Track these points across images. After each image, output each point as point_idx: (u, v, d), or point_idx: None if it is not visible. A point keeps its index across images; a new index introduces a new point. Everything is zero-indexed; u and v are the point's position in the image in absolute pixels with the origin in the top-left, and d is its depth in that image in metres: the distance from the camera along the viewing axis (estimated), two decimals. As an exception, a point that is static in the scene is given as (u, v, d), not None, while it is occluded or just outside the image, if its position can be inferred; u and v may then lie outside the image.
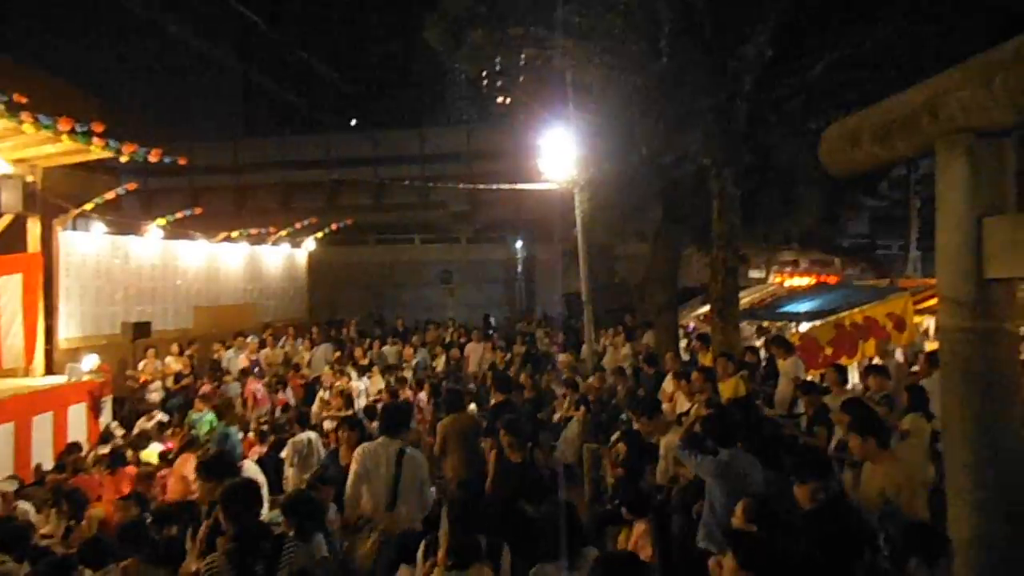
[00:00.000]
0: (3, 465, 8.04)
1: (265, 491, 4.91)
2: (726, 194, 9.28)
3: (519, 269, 27.86)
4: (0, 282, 10.36)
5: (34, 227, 10.46)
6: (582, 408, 8.64)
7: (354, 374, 10.93)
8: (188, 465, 6.78)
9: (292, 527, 3.89)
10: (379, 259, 26.48)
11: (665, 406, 7.49)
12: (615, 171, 10.66)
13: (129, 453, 7.71)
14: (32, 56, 21.70)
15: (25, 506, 6.29)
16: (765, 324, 13.73)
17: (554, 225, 19.63)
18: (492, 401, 7.68)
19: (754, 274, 19.84)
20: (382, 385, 10.40)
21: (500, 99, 12.18)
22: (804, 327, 11.33)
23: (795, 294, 14.96)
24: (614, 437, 6.10)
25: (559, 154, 11.88)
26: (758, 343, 11.99)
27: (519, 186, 15.88)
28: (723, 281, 9.51)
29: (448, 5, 10.41)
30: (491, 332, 18.18)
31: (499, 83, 11.60)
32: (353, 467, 4.85)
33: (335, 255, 22.88)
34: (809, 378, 8.26)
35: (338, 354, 12.49)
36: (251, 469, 6.19)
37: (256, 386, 10.40)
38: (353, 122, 41.76)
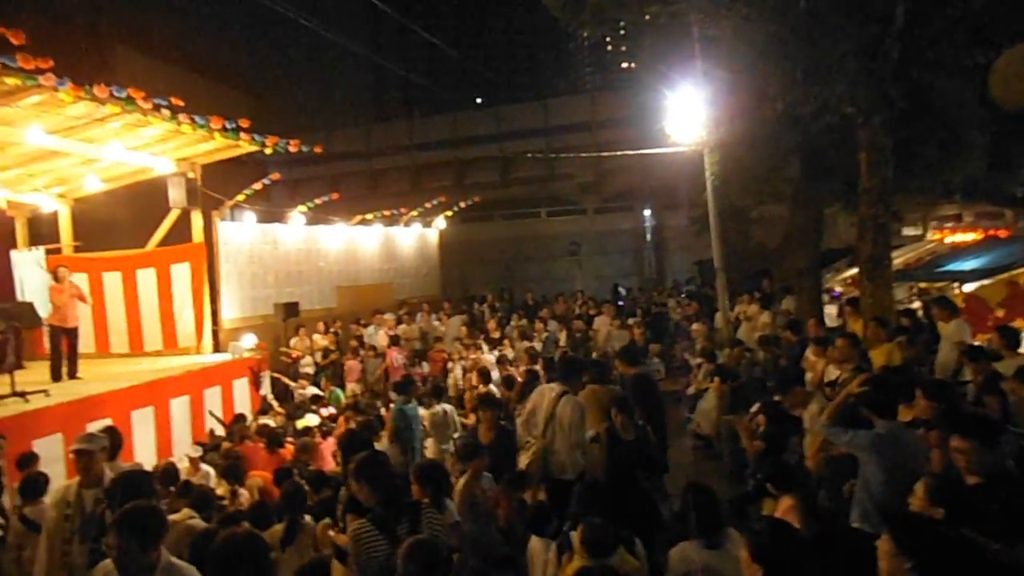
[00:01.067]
0: (182, 432, 8.99)
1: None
2: (876, 145, 8.49)
3: (648, 238, 27.22)
4: (172, 270, 11.53)
5: (196, 219, 11.48)
6: (718, 379, 8.33)
7: (485, 347, 11.18)
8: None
9: (426, 494, 3.99)
10: (507, 234, 26.83)
11: (808, 376, 7.05)
12: (749, 129, 10.06)
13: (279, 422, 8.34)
14: (181, 58, 23.62)
15: (208, 469, 6.98)
16: (923, 285, 12.55)
17: (683, 191, 18.98)
18: (621, 373, 7.56)
19: (908, 231, 18.18)
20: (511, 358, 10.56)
21: (624, 64, 11.83)
22: (969, 287, 10.24)
23: (958, 251, 13.55)
24: (753, 409, 5.82)
25: (687, 116, 11.39)
26: (915, 305, 10.99)
27: (646, 151, 15.45)
28: (873, 240, 8.75)
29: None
30: (620, 303, 17.95)
31: (622, 48, 11.26)
32: (528, 405, 5.71)
33: (465, 232, 23.43)
34: (976, 343, 7.44)
35: (464, 328, 12.77)
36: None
37: (396, 355, 10.90)
38: (478, 100, 42.35)
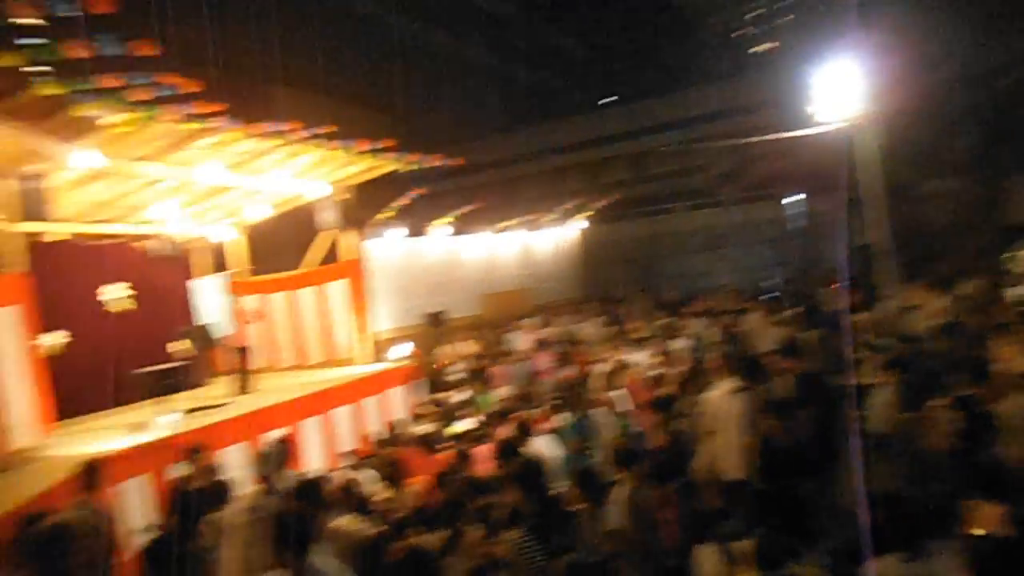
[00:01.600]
0: (346, 439, 9.58)
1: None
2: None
3: (795, 226, 25.63)
4: (329, 288, 12.34)
5: (348, 238, 12.22)
6: (893, 372, 7.60)
7: (630, 349, 10.99)
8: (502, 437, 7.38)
9: (582, 500, 3.94)
10: (644, 232, 26.29)
11: (997, 366, 6.28)
12: (912, 96, 9.17)
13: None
14: (332, 90, 25.25)
15: (369, 473, 7.36)
16: None
17: (833, 173, 17.71)
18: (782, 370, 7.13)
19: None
20: (657, 358, 10.29)
21: (756, 47, 11.23)
22: None
23: None
24: (937, 403, 5.26)
25: (836, 92, 10.59)
26: None
27: (789, 133, 14.55)
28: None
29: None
30: (770, 296, 17.01)
31: (755, 31, 10.70)
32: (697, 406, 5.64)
33: (602, 233, 23.24)
34: None
35: (606, 329, 12.64)
36: (540, 442, 6.52)
37: (544, 359, 10.96)
38: (609, 99, 41.89)
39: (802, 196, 24.89)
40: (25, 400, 6.95)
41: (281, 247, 13.92)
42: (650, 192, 26.56)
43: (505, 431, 7.50)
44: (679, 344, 10.80)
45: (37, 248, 9.09)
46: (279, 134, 8.64)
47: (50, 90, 5.52)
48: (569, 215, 19.62)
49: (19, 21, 4.38)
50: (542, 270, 18.29)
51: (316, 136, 9.14)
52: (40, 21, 4.51)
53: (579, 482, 4.16)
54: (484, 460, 7.40)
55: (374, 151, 10.27)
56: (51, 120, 6.20)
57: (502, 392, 10.78)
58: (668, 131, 25.00)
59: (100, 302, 10.12)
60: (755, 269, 23.21)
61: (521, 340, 12.22)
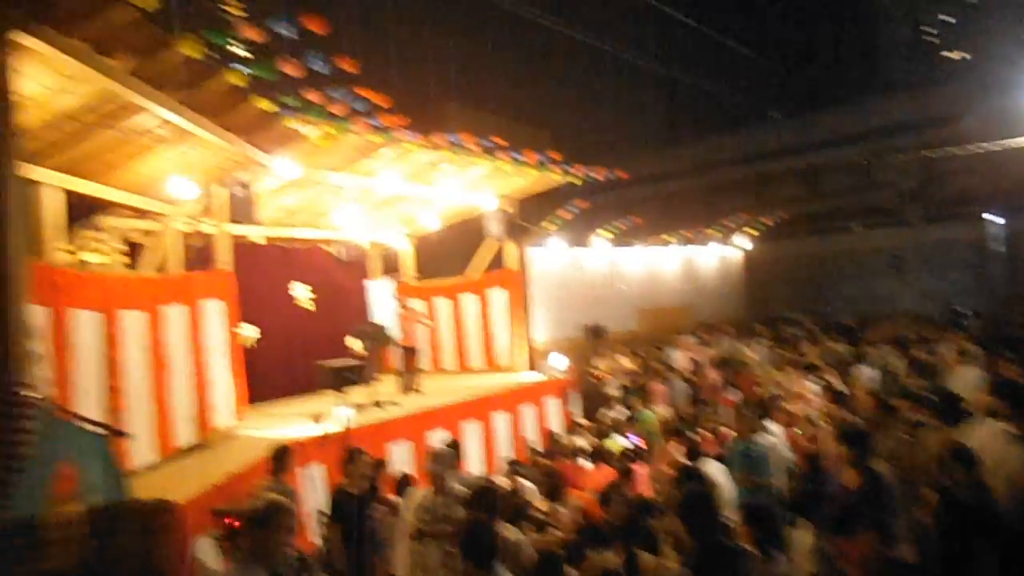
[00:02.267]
0: (503, 445, 9.72)
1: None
2: None
3: (995, 248, 22.85)
4: (490, 295, 12.66)
5: (511, 248, 12.47)
6: None
7: (800, 375, 10.24)
8: (666, 457, 7.16)
9: (751, 538, 3.61)
10: (816, 250, 24.59)
11: None
12: None
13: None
14: (497, 106, 26.04)
15: (526, 483, 7.41)
16: None
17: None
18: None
19: None
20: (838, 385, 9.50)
21: (947, 53, 10.16)
22: None
23: None
24: None
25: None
26: None
27: (989, 145, 13.00)
28: None
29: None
30: (963, 324, 15.26)
31: (946, 37, 9.68)
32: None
33: (769, 250, 22.03)
34: None
35: (774, 352, 11.90)
36: (712, 468, 6.19)
37: (706, 379, 10.53)
38: (778, 112, 39.82)
39: (1009, 215, 22.18)
40: (225, 384, 7.69)
41: (447, 255, 14.49)
42: (824, 209, 24.85)
43: (670, 452, 7.25)
44: (865, 374, 9.91)
45: (239, 248, 10.09)
46: (452, 146, 8.98)
47: (264, 105, 6.08)
48: (733, 231, 18.78)
49: (242, 41, 4.86)
50: (704, 287, 17.63)
51: (487, 149, 9.40)
52: (259, 40, 5.00)
53: (751, 519, 3.79)
54: (644, 480, 7.20)
55: (541, 163, 10.41)
56: (262, 132, 6.84)
57: (661, 411, 10.47)
58: (845, 145, 23.27)
59: (288, 299, 11.04)
60: (944, 295, 20.97)
61: (681, 358, 11.81)
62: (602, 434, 9.29)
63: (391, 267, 14.21)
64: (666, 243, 16.77)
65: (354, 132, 7.65)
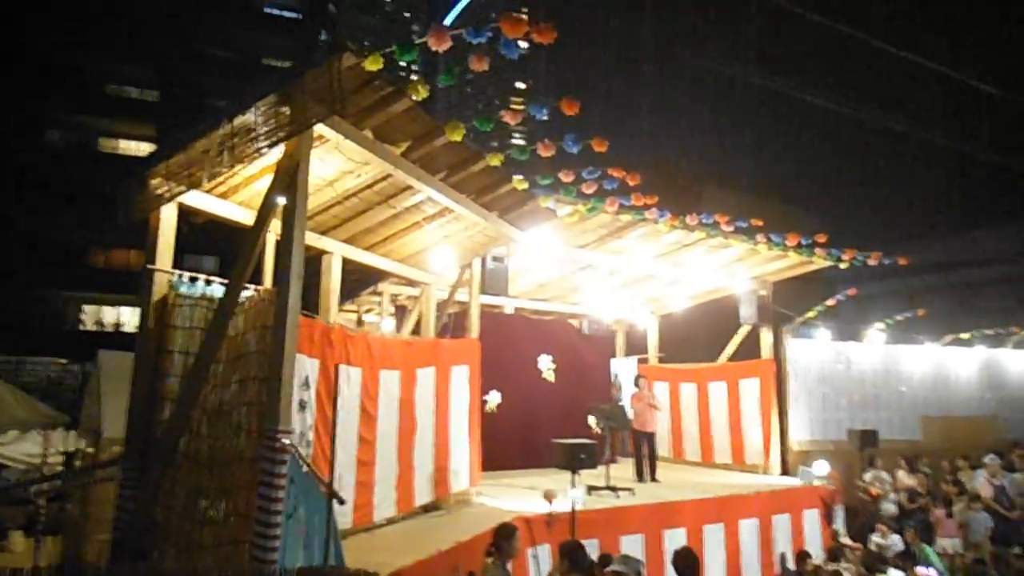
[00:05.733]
0: (751, 557, 8.67)
1: None
2: None
3: None
4: (741, 385, 11.71)
5: (766, 336, 11.51)
6: None
7: None
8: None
9: None
10: None
11: None
12: None
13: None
14: (758, 187, 25.03)
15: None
16: None
17: None
18: None
19: None
20: None
21: None
22: None
23: None
24: None
25: None
26: None
27: None
28: None
29: None
30: None
31: None
32: None
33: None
34: None
35: None
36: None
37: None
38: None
39: None
40: (466, 449, 7.94)
41: (696, 338, 13.85)
42: None
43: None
44: None
45: (489, 317, 10.61)
46: (704, 226, 8.63)
47: (519, 184, 6.37)
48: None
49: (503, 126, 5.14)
50: (1012, 395, 14.56)
51: (741, 230, 8.88)
52: (516, 125, 5.24)
53: None
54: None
55: (805, 246, 9.57)
56: (516, 210, 7.16)
57: (949, 545, 8.65)
58: None
59: (531, 370, 11.27)
60: None
61: (983, 482, 9.69)
62: (872, 565, 7.89)
63: (637, 346, 13.95)
64: (963, 341, 14.25)
65: (606, 211, 7.70)
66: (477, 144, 5.69)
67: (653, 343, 13.59)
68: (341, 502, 3.35)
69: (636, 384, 10.67)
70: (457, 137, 5.01)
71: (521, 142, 5.60)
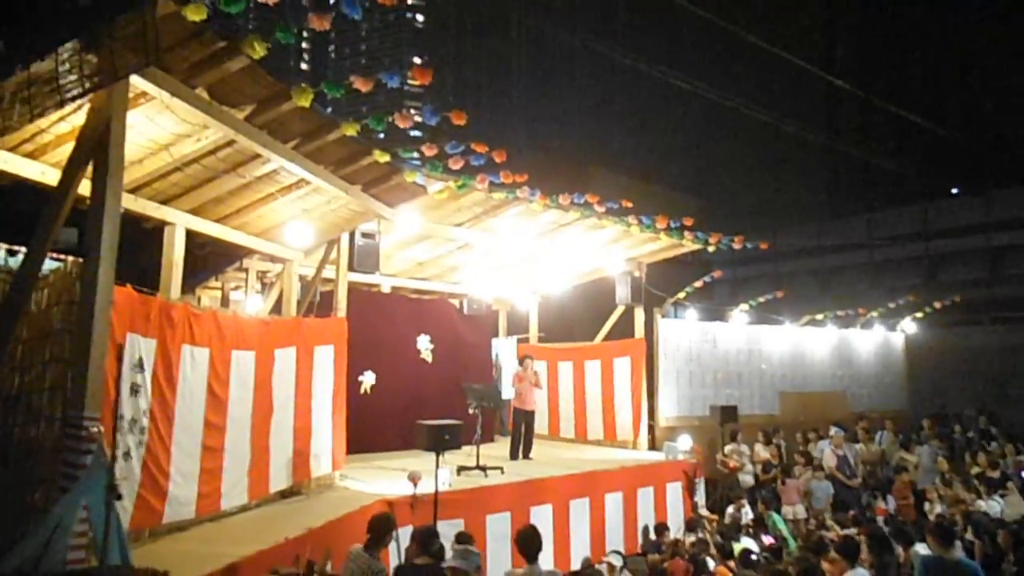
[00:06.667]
0: (615, 529, 8.91)
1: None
2: None
3: None
4: (615, 364, 12.01)
5: (639, 316, 11.85)
6: None
7: (970, 490, 8.67)
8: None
9: None
10: (999, 342, 21.58)
11: None
12: None
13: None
14: (639, 171, 25.79)
15: (627, 577, 6.66)
16: None
17: None
18: None
19: None
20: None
21: None
22: None
23: None
24: None
25: None
26: None
27: None
28: None
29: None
30: None
31: None
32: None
33: (939, 338, 19.58)
34: None
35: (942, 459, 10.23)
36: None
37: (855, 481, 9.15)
38: (956, 189, 36.28)
39: None
40: (329, 433, 7.65)
41: (573, 318, 14.10)
42: (1009, 296, 21.99)
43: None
44: None
45: (362, 297, 10.28)
46: (577, 206, 8.69)
47: (380, 157, 6.11)
48: (897, 314, 16.85)
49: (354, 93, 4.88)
50: (860, 373, 15.78)
51: (613, 211, 9.02)
52: (370, 90, 5.00)
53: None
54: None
55: (673, 229, 9.86)
56: (382, 185, 6.90)
57: (792, 511, 9.24)
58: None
59: (408, 351, 11.05)
60: None
61: (828, 453, 10.42)
62: (727, 533, 8.28)
63: (515, 327, 14.02)
64: (818, 322, 15.28)
65: (476, 188, 7.58)
66: (335, 114, 5.38)
67: (534, 323, 13.69)
68: (119, 497, 3.05)
69: (521, 364, 10.70)
70: (304, 103, 4.70)
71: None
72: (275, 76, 4.65)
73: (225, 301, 10.66)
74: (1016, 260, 21.81)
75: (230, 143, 5.12)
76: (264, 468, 6.58)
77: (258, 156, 5.44)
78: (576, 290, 13.18)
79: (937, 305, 17.06)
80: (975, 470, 10.28)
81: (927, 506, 9.02)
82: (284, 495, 6.91)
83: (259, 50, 4.03)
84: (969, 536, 7.00)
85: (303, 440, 7.15)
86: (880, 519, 8.36)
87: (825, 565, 5.27)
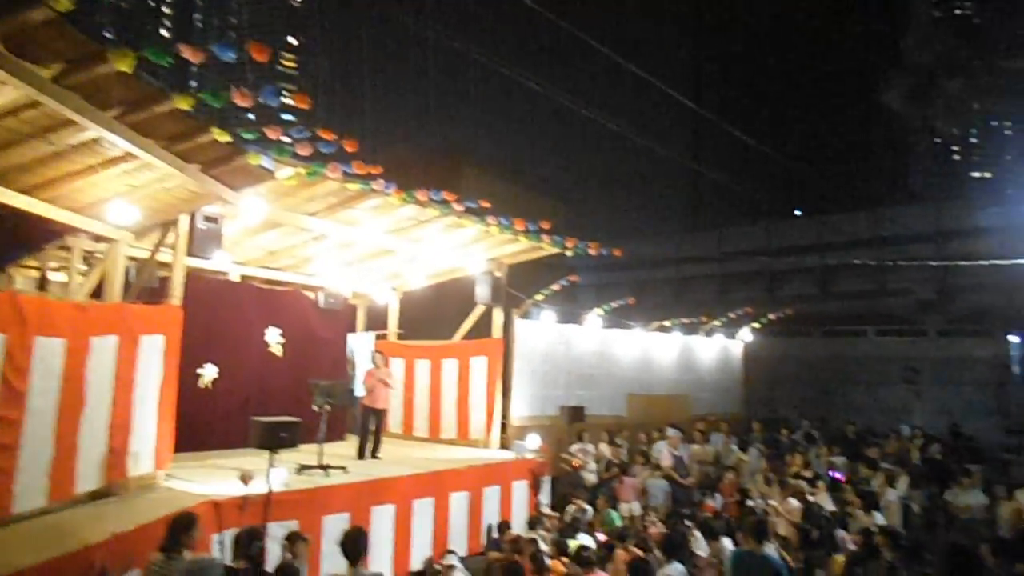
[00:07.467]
0: (459, 529, 8.90)
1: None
2: None
3: (1016, 370, 21.90)
4: (471, 363, 12.03)
5: (498, 316, 11.94)
6: None
7: (787, 489, 9.43)
8: (619, 564, 6.40)
9: None
10: (825, 352, 23.80)
11: None
12: None
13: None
14: (508, 172, 26.12)
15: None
16: None
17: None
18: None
19: None
20: (831, 506, 8.68)
21: (976, 173, 9.72)
22: None
23: None
24: None
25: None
26: None
27: (1011, 262, 12.45)
28: None
29: (915, 57, 8.72)
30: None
31: (973, 156, 9.28)
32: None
33: (774, 347, 21.30)
34: None
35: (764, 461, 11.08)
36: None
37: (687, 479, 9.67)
38: (798, 211, 39.76)
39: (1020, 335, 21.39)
40: (153, 429, 7.08)
41: (434, 315, 13.98)
42: (835, 311, 24.33)
43: (621, 558, 6.48)
44: (889, 497, 9.02)
45: (206, 284, 9.65)
46: (435, 203, 8.62)
47: (222, 136, 5.72)
48: (737, 323, 18.15)
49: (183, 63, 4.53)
50: (702, 378, 16.83)
51: (472, 210, 9.03)
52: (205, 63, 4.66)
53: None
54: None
55: (531, 232, 10.00)
56: (224, 166, 6.47)
57: (630, 508, 9.65)
58: (861, 248, 22.95)
59: (256, 344, 10.49)
60: (957, 412, 19.97)
61: (665, 453, 10.99)
62: (566, 530, 8.49)
63: (374, 323, 13.71)
64: (666, 328, 16.12)
65: (328, 177, 7.30)
66: (165, 83, 4.97)
67: (393, 319, 13.45)
68: None
69: (373, 360, 10.44)
70: (126, 67, 4.29)
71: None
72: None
73: (43, 282, 9.63)
74: (846, 279, 24.10)
75: (34, 104, 4.58)
76: (70, 467, 5.96)
77: (72, 123, 4.91)
78: (438, 288, 13.07)
79: (772, 317, 18.52)
80: (792, 470, 11.20)
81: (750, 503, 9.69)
82: (95, 496, 6.31)
83: (64, 2, 3.62)
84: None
85: (120, 437, 6.55)
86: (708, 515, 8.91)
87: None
